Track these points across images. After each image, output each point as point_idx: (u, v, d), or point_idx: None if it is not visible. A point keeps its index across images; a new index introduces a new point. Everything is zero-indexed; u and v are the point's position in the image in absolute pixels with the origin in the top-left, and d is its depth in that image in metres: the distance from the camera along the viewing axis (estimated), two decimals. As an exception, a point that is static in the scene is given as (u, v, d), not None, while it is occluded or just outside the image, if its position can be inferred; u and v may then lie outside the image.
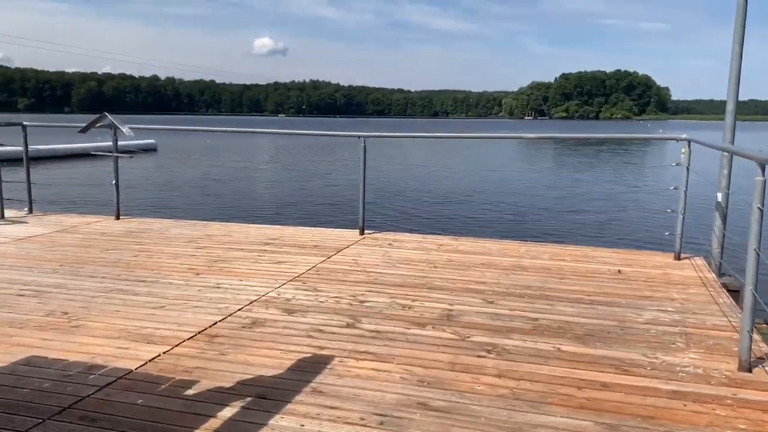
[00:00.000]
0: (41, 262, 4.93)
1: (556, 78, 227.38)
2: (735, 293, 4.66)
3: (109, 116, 6.54)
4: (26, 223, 6.61)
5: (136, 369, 2.90)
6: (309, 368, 2.93)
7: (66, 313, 3.68)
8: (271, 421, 2.42)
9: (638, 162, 30.09)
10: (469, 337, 3.38)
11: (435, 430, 2.39)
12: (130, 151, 7.66)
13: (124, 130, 6.53)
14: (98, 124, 6.61)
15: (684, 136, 5.22)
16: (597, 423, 2.45)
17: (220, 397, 2.63)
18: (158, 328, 3.44)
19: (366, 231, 6.26)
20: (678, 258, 5.27)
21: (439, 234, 6.76)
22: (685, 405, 2.62)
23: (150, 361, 2.99)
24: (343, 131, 6.85)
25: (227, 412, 2.49)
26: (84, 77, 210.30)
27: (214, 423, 2.40)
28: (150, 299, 3.99)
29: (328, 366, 2.96)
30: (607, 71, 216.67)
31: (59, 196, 13.21)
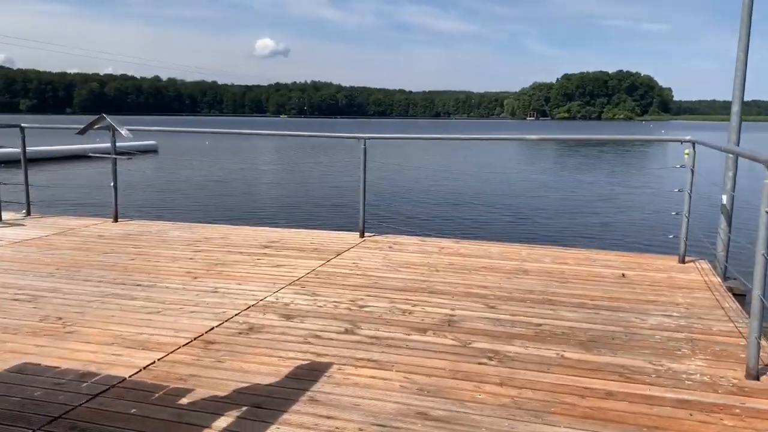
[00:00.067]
0: (37, 266, 4.87)
1: (558, 78, 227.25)
2: (740, 297, 4.59)
3: (108, 118, 6.49)
4: (24, 225, 6.56)
5: (129, 377, 2.84)
6: (306, 376, 2.87)
7: (60, 319, 3.63)
8: (267, 432, 2.36)
9: (641, 163, 30.00)
10: (470, 343, 3.31)
11: (435, 441, 2.32)
12: (128, 153, 7.60)
13: (122, 132, 6.47)
14: (96, 126, 6.56)
15: (688, 137, 5.15)
16: (601, 434, 2.39)
17: (214, 406, 2.56)
18: (153, 334, 3.38)
19: (366, 233, 6.20)
20: (682, 261, 5.20)
21: (440, 236, 6.70)
22: (691, 414, 2.55)
23: (144, 368, 2.93)
24: (345, 132, 6.79)
25: (221, 423, 2.42)
26: (85, 78, 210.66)
27: (207, 434, 2.34)
28: (146, 304, 3.93)
29: (326, 374, 2.89)
30: (610, 72, 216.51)
31: (58, 198, 13.17)
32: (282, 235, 6.26)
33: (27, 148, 7.08)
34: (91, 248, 5.53)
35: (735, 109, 5.01)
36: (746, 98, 5.05)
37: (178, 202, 14.26)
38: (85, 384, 2.75)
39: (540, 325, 3.63)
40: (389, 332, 3.47)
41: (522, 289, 4.39)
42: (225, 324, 3.57)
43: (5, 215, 6.96)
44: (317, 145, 37.61)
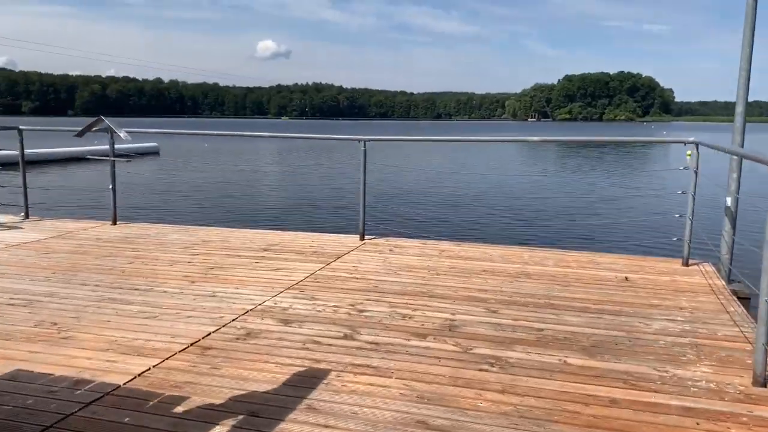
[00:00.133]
0: (34, 270, 4.82)
1: (559, 80, 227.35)
2: (745, 300, 4.54)
3: (106, 120, 6.44)
4: (22, 228, 6.51)
5: (124, 384, 2.78)
6: (304, 383, 2.81)
7: (55, 324, 3.57)
8: (263, 442, 2.30)
9: (643, 165, 29.92)
10: (471, 349, 3.26)
11: (435, 451, 2.26)
12: (127, 155, 7.55)
13: (121, 135, 6.42)
14: (94, 128, 6.51)
15: (692, 139, 5.09)
16: (606, 443, 2.33)
17: (210, 414, 2.51)
18: (149, 340, 3.33)
19: (366, 236, 6.14)
20: (686, 264, 5.14)
21: (441, 239, 6.64)
22: (698, 423, 2.49)
23: (139, 375, 2.88)
24: (346, 134, 6.74)
25: (217, 432, 2.37)
26: (87, 80, 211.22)
27: (202, 443, 2.29)
28: (143, 308, 3.88)
29: (324, 381, 2.84)
30: (611, 73, 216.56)
31: (57, 201, 13.13)
32: (281, 238, 6.20)
33: (26, 151, 7.04)
34: (89, 251, 5.48)
35: (739, 109, 4.95)
36: (749, 99, 4.99)
37: (178, 204, 14.21)
38: (78, 391, 2.70)
39: (542, 329, 3.57)
40: (389, 337, 3.41)
41: (523, 292, 4.34)
42: (222, 329, 3.51)
43: (3, 218, 6.92)
44: (318, 148, 37.57)
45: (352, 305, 3.99)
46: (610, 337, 3.45)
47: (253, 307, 3.93)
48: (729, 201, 5.01)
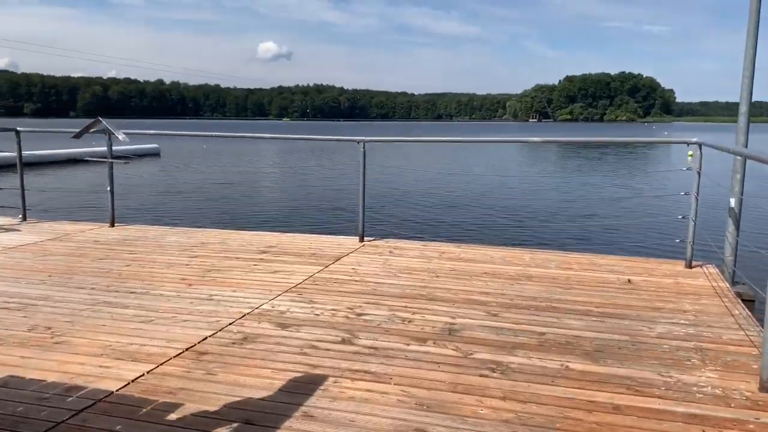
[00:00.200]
0: (30, 273, 4.77)
1: (560, 80, 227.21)
2: (749, 303, 4.47)
3: (103, 121, 6.39)
4: (19, 231, 6.46)
5: (116, 390, 2.73)
6: (301, 389, 2.75)
7: (49, 328, 3.52)
8: (257, 451, 2.24)
9: (645, 165, 29.84)
10: (471, 354, 3.20)
11: (434, 460, 2.20)
12: (125, 157, 7.51)
13: (119, 136, 6.37)
14: (92, 130, 6.46)
15: (695, 139, 5.03)
16: (609, 452, 2.27)
17: (204, 422, 2.45)
18: (144, 345, 3.27)
19: (366, 238, 6.09)
20: (689, 266, 5.08)
21: (441, 241, 6.58)
22: (703, 430, 2.43)
23: (132, 381, 2.82)
24: (347, 135, 6.68)
25: (210, 440, 2.31)
26: (89, 82, 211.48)
27: (195, 453, 2.23)
28: (138, 312, 3.83)
29: (321, 387, 2.78)
30: (612, 73, 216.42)
31: (55, 203, 13.09)
32: (280, 240, 6.15)
33: (24, 152, 6.99)
34: (86, 254, 5.43)
35: (743, 110, 4.89)
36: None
37: (177, 205, 14.16)
38: (70, 398, 2.64)
39: (544, 333, 3.51)
40: (388, 342, 3.35)
41: (525, 295, 4.28)
42: (218, 334, 3.46)
43: (1, 220, 6.87)
44: (319, 149, 37.52)
45: (351, 308, 3.93)
46: (613, 341, 3.39)
47: (251, 310, 3.88)
48: (733, 202, 4.95)
